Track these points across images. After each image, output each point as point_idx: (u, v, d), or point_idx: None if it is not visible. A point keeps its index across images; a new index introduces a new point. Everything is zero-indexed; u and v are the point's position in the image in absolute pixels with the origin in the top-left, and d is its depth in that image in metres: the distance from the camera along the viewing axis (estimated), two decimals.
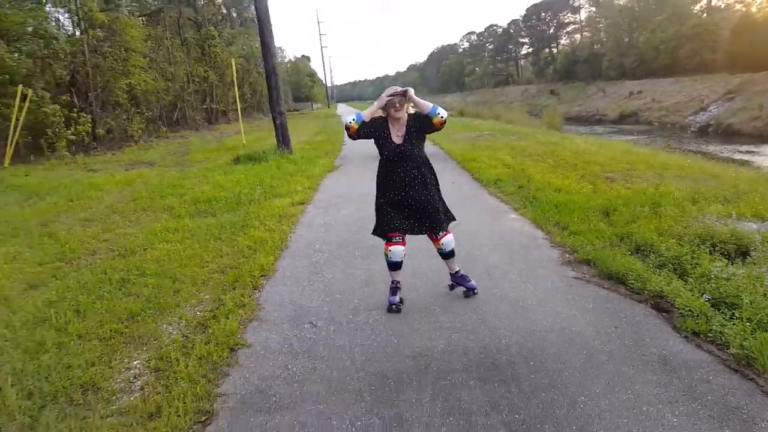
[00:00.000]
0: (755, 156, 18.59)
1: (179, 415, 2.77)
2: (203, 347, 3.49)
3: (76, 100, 18.86)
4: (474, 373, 3.04)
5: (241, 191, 9.04)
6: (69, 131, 17.36)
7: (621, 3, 65.05)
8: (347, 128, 3.78)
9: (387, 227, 3.89)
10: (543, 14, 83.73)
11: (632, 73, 53.28)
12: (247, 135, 20.73)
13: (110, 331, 3.88)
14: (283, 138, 13.77)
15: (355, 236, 6.10)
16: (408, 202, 3.87)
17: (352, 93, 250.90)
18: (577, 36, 77.05)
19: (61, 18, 23.55)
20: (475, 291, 4.11)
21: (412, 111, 3.85)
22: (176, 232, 6.71)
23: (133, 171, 13.50)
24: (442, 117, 3.67)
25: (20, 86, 14.26)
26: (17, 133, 14.05)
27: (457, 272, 4.15)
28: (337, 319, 3.88)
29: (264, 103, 49.16)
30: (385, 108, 3.80)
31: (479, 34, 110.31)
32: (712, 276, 3.77)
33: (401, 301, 4.00)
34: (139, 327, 3.94)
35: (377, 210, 3.99)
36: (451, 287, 4.22)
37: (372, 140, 3.93)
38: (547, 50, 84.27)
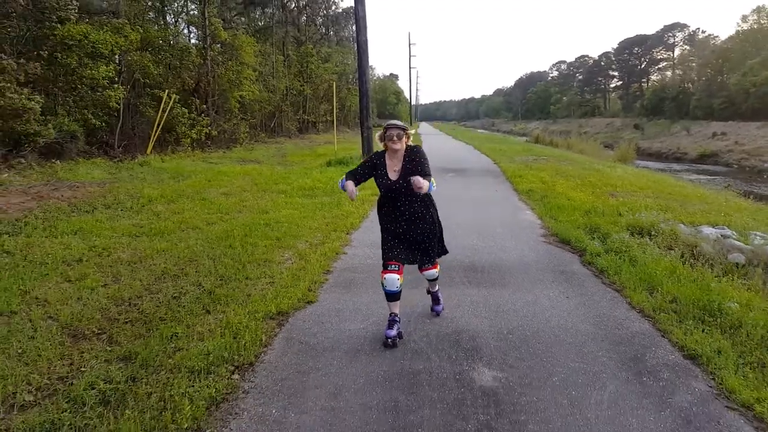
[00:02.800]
0: None
1: (315, 270, 5.88)
2: (322, 251, 6.64)
3: (198, 104, 23.04)
4: (462, 270, 6.03)
5: (334, 184, 12.29)
6: (193, 131, 21.50)
7: (717, 43, 64.91)
8: (343, 189, 4.08)
9: (385, 255, 4.13)
10: (636, 49, 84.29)
11: (720, 114, 53.28)
12: (335, 145, 24.27)
13: (268, 244, 7.07)
14: (367, 148, 17.09)
15: None
16: (408, 235, 4.17)
17: (437, 113, 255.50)
18: (668, 73, 77.06)
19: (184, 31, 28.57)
20: (438, 313, 4.68)
21: (411, 142, 4.11)
22: (292, 205, 9.98)
23: (246, 165, 17.19)
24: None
25: (166, 91, 18.36)
26: (159, 129, 18.11)
27: (430, 290, 4.72)
28: None
29: (350, 118, 53.52)
30: (383, 140, 4.06)
31: (569, 64, 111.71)
32: (614, 240, 6.60)
33: (399, 335, 4.16)
34: (283, 243, 7.13)
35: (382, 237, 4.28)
36: (435, 313, 4.70)
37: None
38: (636, 84, 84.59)
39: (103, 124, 17.37)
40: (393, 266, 4.07)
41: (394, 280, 4.04)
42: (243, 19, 37.75)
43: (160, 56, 22.33)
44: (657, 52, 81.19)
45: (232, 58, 26.23)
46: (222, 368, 3.61)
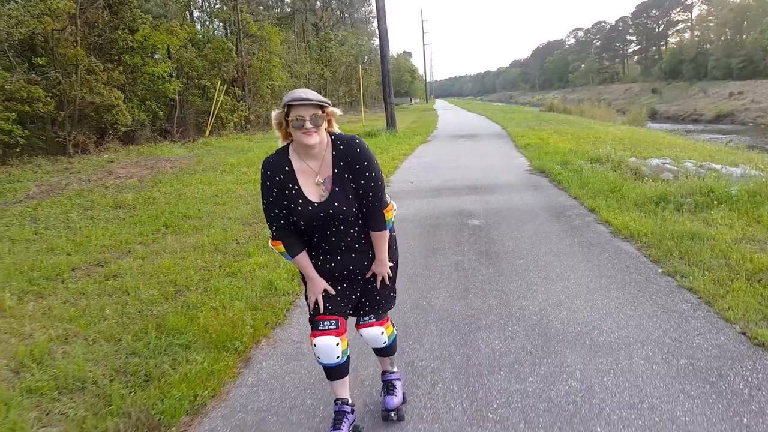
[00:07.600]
0: None
1: None
2: None
3: (237, 92, 26.56)
4: (467, 189, 9.40)
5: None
6: (234, 116, 25.02)
7: (736, 0, 66.31)
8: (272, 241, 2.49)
9: (314, 309, 2.55)
10: (653, 11, 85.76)
11: (738, 74, 55.28)
12: (358, 123, 27.69)
13: None
14: (391, 121, 20.46)
15: (431, 166, 12.50)
16: (342, 272, 2.53)
17: (452, 89, 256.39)
18: (686, 34, 78.65)
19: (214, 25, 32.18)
20: (393, 416, 2.75)
21: (336, 129, 2.42)
22: None
23: None
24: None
25: (219, 82, 21.88)
26: (214, 115, 21.67)
27: (386, 373, 2.87)
28: (421, 180, 10.35)
29: (367, 98, 56.76)
30: (285, 128, 2.32)
31: (586, 31, 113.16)
32: (573, 165, 9.90)
33: None
34: None
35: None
36: (385, 416, 2.77)
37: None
38: (654, 48, 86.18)
39: (163, 114, 21.02)
40: (328, 323, 2.48)
41: (330, 346, 2.47)
42: (263, 10, 41.12)
43: (202, 52, 25.88)
44: (675, 13, 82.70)
45: (262, 48, 29.65)
46: None
